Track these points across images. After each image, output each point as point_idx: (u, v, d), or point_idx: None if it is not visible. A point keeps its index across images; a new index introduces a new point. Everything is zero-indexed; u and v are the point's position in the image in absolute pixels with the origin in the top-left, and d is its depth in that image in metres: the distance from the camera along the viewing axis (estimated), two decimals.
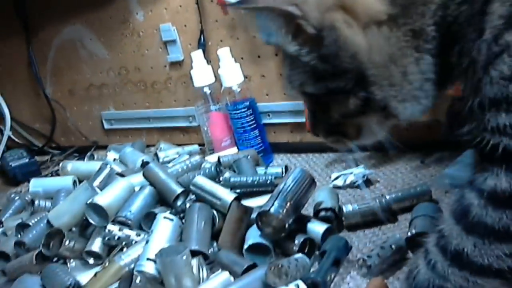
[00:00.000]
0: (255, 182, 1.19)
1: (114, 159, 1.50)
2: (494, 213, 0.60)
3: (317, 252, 0.97)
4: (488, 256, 0.61)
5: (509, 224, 0.59)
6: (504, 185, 0.59)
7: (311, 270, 0.91)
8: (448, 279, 0.65)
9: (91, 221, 1.06)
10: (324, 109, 0.69)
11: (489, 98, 0.58)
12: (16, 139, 2.07)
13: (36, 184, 1.44)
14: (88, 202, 1.05)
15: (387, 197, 1.06)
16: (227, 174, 1.23)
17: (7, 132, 2.00)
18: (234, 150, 1.42)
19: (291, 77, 0.68)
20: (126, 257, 0.98)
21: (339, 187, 1.23)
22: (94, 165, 1.44)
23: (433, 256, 0.68)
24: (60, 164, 1.53)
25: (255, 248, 0.97)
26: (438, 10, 0.59)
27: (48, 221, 1.11)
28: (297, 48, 0.64)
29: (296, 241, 0.97)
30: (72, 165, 1.52)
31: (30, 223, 1.17)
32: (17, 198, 1.45)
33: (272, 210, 0.96)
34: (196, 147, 1.55)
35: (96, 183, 1.26)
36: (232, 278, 0.91)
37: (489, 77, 0.57)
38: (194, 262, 0.93)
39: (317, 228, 1.01)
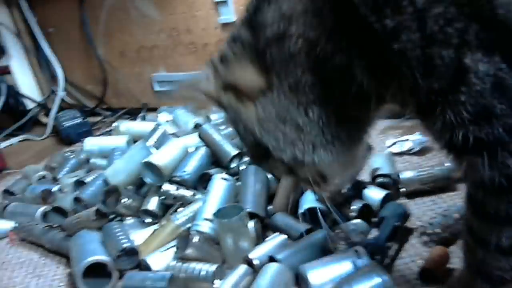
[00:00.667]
0: None
1: (166, 121, 1.51)
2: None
3: (374, 219, 0.95)
4: None
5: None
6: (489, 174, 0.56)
7: (369, 237, 0.89)
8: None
9: (146, 180, 1.06)
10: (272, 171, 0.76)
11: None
12: (68, 100, 2.10)
13: (91, 143, 1.46)
14: (144, 161, 1.06)
15: (446, 164, 1.03)
16: None
17: (61, 93, 2.03)
18: None
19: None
20: (182, 217, 0.98)
21: (395, 154, 1.20)
22: (147, 125, 1.44)
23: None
24: (114, 124, 1.55)
25: (310, 213, 0.96)
26: (306, 57, 0.58)
27: (104, 179, 1.12)
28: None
29: (354, 207, 0.95)
30: (125, 125, 1.53)
31: (87, 181, 1.19)
32: (72, 156, 1.47)
33: None
34: None
35: (150, 143, 1.27)
36: (288, 242, 0.91)
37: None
38: (251, 224, 0.92)
39: (374, 194, 0.99)
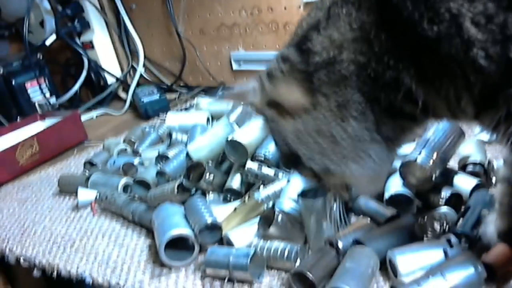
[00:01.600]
0: None
1: None
2: None
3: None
4: None
5: None
6: None
7: (457, 225, 0.86)
8: None
9: (230, 157, 1.06)
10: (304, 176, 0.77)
11: None
12: (146, 77, 2.13)
13: (173, 118, 1.47)
14: (228, 139, 1.06)
15: None
16: None
17: (140, 69, 2.06)
18: None
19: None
20: (265, 195, 0.98)
21: (484, 142, 1.14)
22: (227, 103, 1.44)
23: None
24: (194, 101, 1.56)
25: (395, 199, 0.93)
26: (356, 79, 0.61)
27: (187, 154, 1.13)
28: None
29: (443, 194, 0.91)
30: (206, 101, 1.54)
31: (169, 155, 1.20)
32: (152, 131, 1.50)
33: (419, 160, 0.91)
34: None
35: (231, 120, 1.26)
36: (373, 226, 0.88)
37: None
38: (334, 206, 0.90)
39: (465, 182, 0.94)
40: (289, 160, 0.72)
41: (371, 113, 0.63)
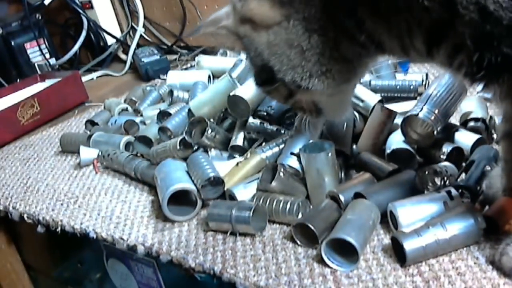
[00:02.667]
0: (398, 87, 1.14)
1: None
2: None
3: (464, 164, 0.91)
4: None
5: None
6: None
7: (458, 180, 0.86)
8: None
9: (232, 113, 1.06)
10: (271, 95, 0.83)
11: None
12: (147, 37, 2.11)
13: (174, 76, 1.47)
14: (230, 94, 1.05)
15: None
16: (367, 77, 1.17)
17: (140, 29, 2.05)
18: None
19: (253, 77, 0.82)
20: (267, 150, 0.98)
21: (485, 98, 1.14)
22: (229, 61, 1.43)
23: None
24: (196, 59, 1.55)
25: (397, 155, 0.93)
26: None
27: (189, 110, 1.13)
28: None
29: (444, 150, 0.92)
30: (207, 60, 1.53)
31: (171, 112, 1.20)
32: (153, 90, 1.49)
33: (420, 115, 0.91)
34: None
35: (233, 76, 1.26)
36: (375, 180, 0.89)
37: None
38: (336, 161, 0.91)
39: (466, 138, 0.95)
40: (262, 75, 0.77)
41: (331, 30, 0.68)
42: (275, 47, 0.71)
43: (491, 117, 1.01)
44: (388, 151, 0.94)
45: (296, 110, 0.86)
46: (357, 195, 0.84)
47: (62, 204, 1.08)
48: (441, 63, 0.66)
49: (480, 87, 0.65)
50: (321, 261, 0.77)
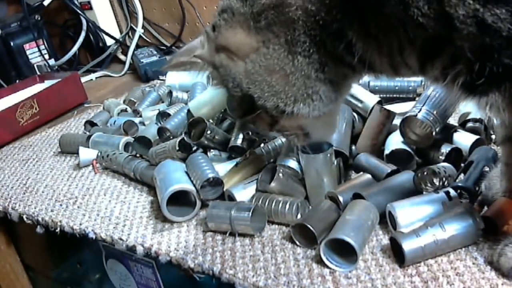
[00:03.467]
0: (396, 88, 1.14)
1: None
2: None
3: (462, 164, 0.91)
4: None
5: None
6: None
7: (457, 181, 0.86)
8: None
9: (231, 113, 1.06)
10: (255, 126, 0.81)
11: None
12: (146, 38, 2.12)
13: (173, 77, 1.47)
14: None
15: None
16: (366, 78, 1.17)
17: (139, 30, 2.05)
18: None
19: (231, 109, 0.85)
20: (266, 151, 0.98)
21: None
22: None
23: None
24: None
25: (395, 155, 0.94)
26: (303, 23, 0.65)
27: (188, 111, 1.13)
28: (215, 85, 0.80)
29: (443, 150, 0.92)
30: None
31: (170, 112, 1.21)
32: (152, 91, 1.49)
33: (419, 116, 0.91)
34: None
35: None
36: (373, 181, 0.89)
37: None
38: (335, 162, 0.91)
39: (465, 139, 0.95)
40: (242, 105, 0.75)
41: (316, 53, 0.67)
42: (254, 75, 0.70)
43: (489, 118, 1.01)
44: (387, 151, 0.94)
45: (282, 136, 0.84)
46: (356, 196, 0.84)
47: (61, 205, 1.08)
48: (433, 77, 0.65)
49: (475, 99, 0.64)
50: (320, 262, 0.77)
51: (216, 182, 0.93)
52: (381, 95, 1.11)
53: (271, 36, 0.67)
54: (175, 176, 0.95)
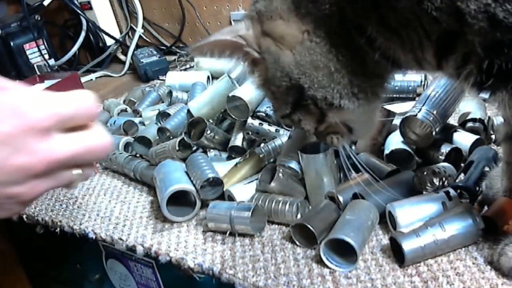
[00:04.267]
0: (396, 88, 1.14)
1: None
2: None
3: (462, 164, 0.91)
4: None
5: None
6: None
7: (457, 181, 0.86)
8: None
9: (231, 114, 1.06)
10: (302, 126, 0.76)
11: None
12: (146, 38, 2.11)
13: (173, 77, 1.47)
14: (229, 95, 1.05)
15: None
16: None
17: (139, 30, 2.04)
18: None
19: (275, 108, 0.78)
20: (266, 151, 0.98)
21: (484, 99, 1.14)
22: (228, 61, 1.43)
23: None
24: (195, 60, 1.55)
25: (395, 155, 0.94)
26: (338, 19, 0.64)
27: (188, 111, 1.13)
28: (250, 72, 0.76)
29: (443, 150, 0.92)
30: (206, 60, 1.53)
31: (170, 112, 1.21)
32: (152, 91, 1.49)
33: (419, 115, 0.91)
34: None
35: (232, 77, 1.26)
36: (374, 181, 0.89)
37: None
38: (335, 162, 0.91)
39: (464, 138, 0.95)
40: (289, 96, 0.72)
41: (352, 48, 0.66)
42: (303, 67, 0.67)
43: (489, 117, 1.01)
44: (387, 151, 0.94)
45: (327, 136, 0.78)
46: (356, 196, 0.84)
47: (61, 205, 1.08)
48: (449, 74, 0.65)
49: (487, 96, 0.64)
50: (320, 262, 0.77)
51: (216, 182, 0.93)
52: None
53: (311, 27, 0.66)
54: (175, 176, 0.95)
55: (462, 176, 0.87)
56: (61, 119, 0.50)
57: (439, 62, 0.63)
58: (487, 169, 0.86)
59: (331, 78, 0.67)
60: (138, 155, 1.16)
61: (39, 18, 2.01)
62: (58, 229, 1.02)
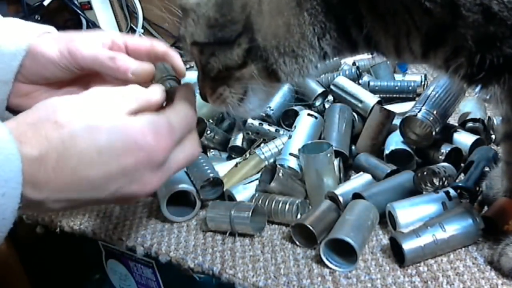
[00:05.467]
0: (396, 88, 1.14)
1: None
2: None
3: (462, 164, 0.91)
4: None
5: None
6: None
7: (457, 181, 0.86)
8: None
9: (231, 113, 1.06)
10: (209, 61, 0.68)
11: None
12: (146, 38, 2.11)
13: None
14: None
15: None
16: (366, 78, 1.18)
17: (139, 30, 2.04)
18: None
19: (185, 32, 0.70)
20: (266, 151, 0.98)
21: (484, 99, 1.14)
22: None
23: None
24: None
25: (395, 155, 0.94)
26: None
27: None
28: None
29: (443, 150, 0.92)
30: None
31: None
32: None
33: (419, 115, 0.91)
34: None
35: None
36: (373, 181, 0.89)
37: None
38: (335, 162, 0.91)
39: (465, 138, 0.95)
40: (229, 29, 0.65)
41: (323, 16, 0.63)
42: (265, 5, 0.63)
43: (489, 117, 1.01)
44: (386, 151, 0.94)
45: (220, 85, 0.71)
46: (356, 196, 0.84)
47: None
48: (436, 65, 0.66)
49: (477, 89, 0.64)
50: (320, 262, 0.77)
51: (216, 182, 0.93)
52: (381, 95, 1.11)
53: None
54: (175, 176, 0.94)
55: (462, 176, 0.87)
56: (174, 145, 0.59)
57: (425, 53, 0.63)
58: (487, 169, 0.86)
59: (286, 30, 0.64)
60: None
61: (39, 18, 2.01)
62: (58, 229, 1.02)
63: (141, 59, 0.71)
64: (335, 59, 0.73)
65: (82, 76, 0.74)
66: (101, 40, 0.72)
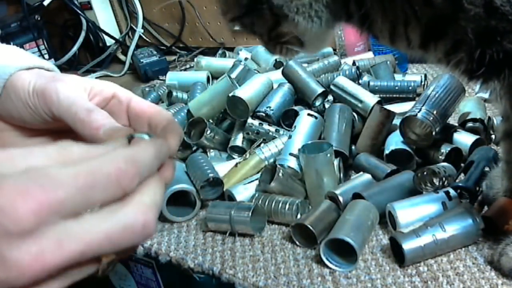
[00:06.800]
0: (396, 88, 1.14)
1: (246, 58, 1.49)
2: None
3: (462, 164, 0.91)
4: None
5: None
6: None
7: (457, 181, 0.86)
8: None
9: (231, 114, 1.06)
10: (255, 30, 0.72)
11: None
12: (146, 38, 2.11)
13: (173, 77, 1.47)
14: (229, 95, 1.05)
15: None
16: (366, 78, 1.18)
17: (139, 30, 2.04)
18: (369, 55, 1.36)
19: (224, 10, 0.72)
20: (266, 151, 0.98)
21: (484, 100, 1.14)
22: (228, 61, 1.43)
23: None
24: (195, 60, 1.55)
25: (395, 155, 0.94)
26: None
27: (188, 111, 1.13)
28: None
29: (443, 150, 0.92)
30: (206, 60, 1.53)
31: (170, 112, 1.20)
32: (152, 91, 1.49)
33: (419, 115, 0.91)
34: (330, 49, 1.49)
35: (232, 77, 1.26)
36: (373, 181, 0.89)
37: None
38: (335, 162, 0.91)
39: (465, 138, 0.95)
40: (242, 2, 0.68)
41: None
42: None
43: (489, 118, 1.01)
44: (386, 151, 0.94)
45: (277, 45, 0.74)
46: (356, 196, 0.84)
47: None
48: (436, 58, 0.65)
49: (477, 85, 0.64)
50: (320, 262, 0.77)
51: (216, 182, 0.93)
52: (381, 95, 1.11)
53: None
54: (175, 176, 0.95)
55: (462, 176, 0.87)
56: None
57: (426, 44, 0.63)
58: (487, 169, 0.86)
59: None
60: None
61: (39, 18, 2.02)
62: None
63: (139, 122, 0.58)
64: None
65: (56, 131, 0.60)
66: (89, 88, 0.58)
